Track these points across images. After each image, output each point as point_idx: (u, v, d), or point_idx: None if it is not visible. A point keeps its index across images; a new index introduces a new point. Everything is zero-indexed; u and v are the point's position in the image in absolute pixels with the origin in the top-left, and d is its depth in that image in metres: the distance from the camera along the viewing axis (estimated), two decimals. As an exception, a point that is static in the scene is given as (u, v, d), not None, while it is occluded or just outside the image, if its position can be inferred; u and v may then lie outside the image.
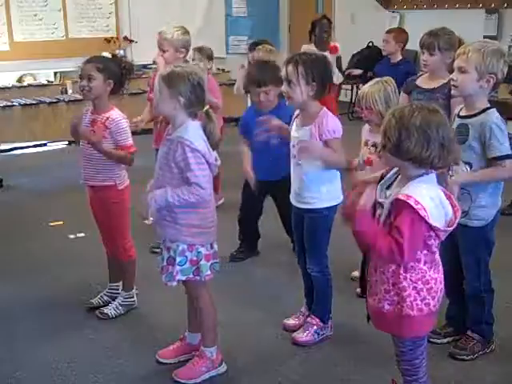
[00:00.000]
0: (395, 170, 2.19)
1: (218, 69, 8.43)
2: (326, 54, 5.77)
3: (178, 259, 2.65)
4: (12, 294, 3.62)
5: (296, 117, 2.97)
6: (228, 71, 8.09)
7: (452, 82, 2.70)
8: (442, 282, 2.20)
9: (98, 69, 3.11)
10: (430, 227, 2.05)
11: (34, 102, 5.90)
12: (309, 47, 5.92)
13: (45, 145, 5.98)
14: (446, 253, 2.81)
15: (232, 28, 9.29)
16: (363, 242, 2.10)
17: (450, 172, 2.58)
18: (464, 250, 2.80)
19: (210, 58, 5.21)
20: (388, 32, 5.48)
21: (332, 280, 3.06)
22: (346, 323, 3.16)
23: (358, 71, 7.57)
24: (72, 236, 4.41)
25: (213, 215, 2.73)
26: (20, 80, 7.55)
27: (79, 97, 5.07)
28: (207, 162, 2.60)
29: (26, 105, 5.88)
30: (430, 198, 2.05)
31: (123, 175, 3.24)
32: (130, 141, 3.18)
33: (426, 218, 2.01)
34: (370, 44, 8.09)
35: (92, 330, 3.23)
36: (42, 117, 5.73)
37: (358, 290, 3.39)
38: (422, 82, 3.52)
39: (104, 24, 8.33)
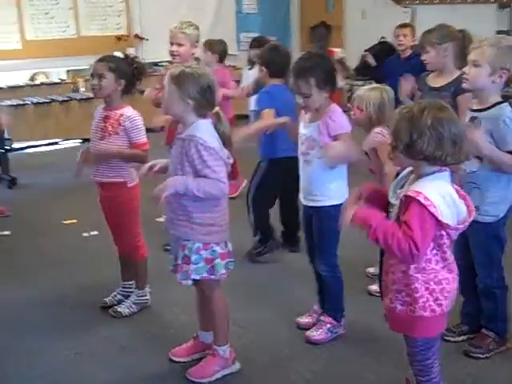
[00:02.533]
0: (408, 169, 2.18)
1: (230, 65, 8.43)
2: None
3: (193, 257, 2.65)
4: (26, 291, 3.65)
5: (303, 113, 2.97)
6: (239, 68, 8.06)
7: (464, 75, 2.69)
8: (456, 282, 2.19)
9: (110, 68, 3.12)
10: (441, 225, 2.03)
11: (46, 100, 5.92)
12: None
13: (57, 143, 5.99)
14: (459, 249, 2.81)
15: (242, 25, 9.26)
16: (374, 239, 2.08)
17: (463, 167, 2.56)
18: (475, 247, 2.78)
19: (219, 52, 5.21)
20: (403, 26, 5.42)
21: (343, 278, 3.05)
22: (360, 321, 3.15)
23: (372, 60, 7.53)
24: (86, 234, 4.43)
25: (226, 213, 2.73)
26: (32, 78, 7.56)
27: (91, 95, 5.07)
28: (222, 159, 2.59)
29: (38, 103, 5.90)
30: (440, 195, 2.04)
31: (133, 173, 3.23)
32: (143, 138, 3.18)
33: (436, 214, 2.00)
34: (382, 39, 8.03)
35: (106, 328, 3.24)
36: (54, 115, 5.75)
37: (370, 287, 3.42)
38: (431, 79, 3.51)
39: (115, 22, 8.32)
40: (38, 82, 7.09)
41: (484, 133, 2.60)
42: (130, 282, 3.45)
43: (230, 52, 8.70)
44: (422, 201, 2.00)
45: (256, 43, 5.53)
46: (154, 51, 7.94)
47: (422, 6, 8.07)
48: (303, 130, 2.94)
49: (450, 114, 2.06)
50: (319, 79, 2.80)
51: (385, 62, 5.61)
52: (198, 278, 2.69)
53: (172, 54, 3.97)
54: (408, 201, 2.04)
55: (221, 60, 5.22)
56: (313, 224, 2.97)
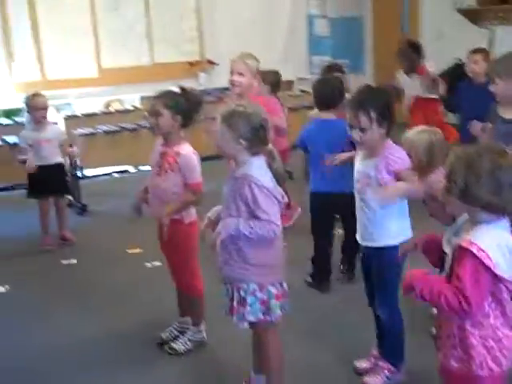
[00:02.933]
0: (465, 216, 2.04)
1: (302, 91, 8.39)
2: (415, 78, 5.67)
3: (248, 299, 2.59)
4: (88, 323, 3.70)
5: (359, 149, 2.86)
6: (309, 92, 8.00)
7: (491, 88, 2.50)
8: None
9: (166, 105, 3.11)
10: (497, 278, 1.89)
11: (117, 128, 6.04)
12: (399, 75, 5.82)
13: (127, 171, 6.10)
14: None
15: (315, 48, 9.21)
16: (431, 302, 1.95)
17: None
18: None
19: (273, 84, 5.13)
20: (476, 52, 5.19)
21: (404, 323, 2.89)
22: (421, 368, 2.97)
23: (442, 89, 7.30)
24: (149, 265, 4.45)
25: (281, 253, 2.66)
26: (107, 106, 7.77)
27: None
28: (275, 198, 2.53)
29: (109, 132, 6.03)
30: (496, 245, 1.89)
31: (190, 209, 3.22)
32: (198, 178, 3.14)
33: (491, 267, 1.86)
34: (457, 61, 7.78)
35: (161, 365, 3.22)
36: (124, 143, 5.86)
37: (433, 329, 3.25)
38: (502, 110, 3.32)
39: (188, 48, 8.46)
40: (111, 109, 7.26)
41: None
42: (187, 318, 3.42)
43: (301, 76, 8.79)
44: (476, 252, 1.87)
45: (328, 70, 5.45)
46: (226, 76, 8.02)
47: (501, 26, 7.77)
48: (359, 166, 2.83)
49: (510, 159, 1.91)
50: (380, 113, 2.68)
51: (457, 88, 5.39)
52: (253, 319, 2.63)
53: (232, 83, 3.97)
54: (461, 251, 1.91)
55: (273, 91, 5.14)
56: (372, 265, 2.85)
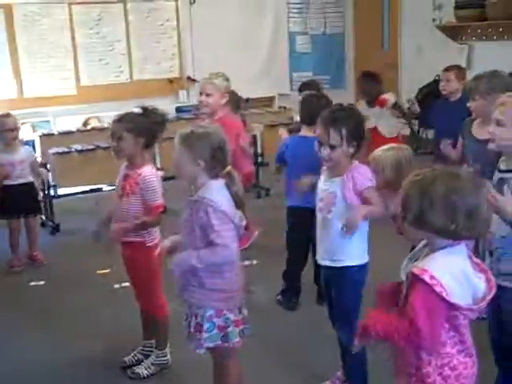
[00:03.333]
0: (424, 241, 1.97)
1: (280, 107, 8.37)
2: (376, 109, 5.65)
3: (205, 325, 2.53)
4: (51, 346, 3.63)
5: (324, 169, 2.81)
6: (289, 108, 7.98)
7: (490, 135, 2.47)
8: (475, 366, 1.95)
9: (127, 129, 3.04)
10: (453, 306, 1.82)
11: (91, 147, 5.98)
12: (360, 107, 5.78)
13: (101, 189, 6.01)
14: (492, 317, 2.56)
15: (296, 64, 9.20)
16: (386, 339, 1.88)
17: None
18: (508, 315, 2.50)
19: (235, 105, 5.09)
20: (447, 70, 5.15)
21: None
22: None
23: (416, 107, 7.27)
24: (117, 285, 4.37)
25: (240, 278, 2.60)
26: (86, 123, 7.72)
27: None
28: (232, 222, 2.47)
29: (83, 150, 5.97)
30: (450, 272, 1.83)
31: (154, 231, 3.14)
32: (158, 200, 3.06)
33: (444, 294, 1.79)
34: (436, 78, 7.79)
35: (122, 390, 3.15)
36: (99, 161, 5.78)
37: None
38: (476, 129, 3.29)
39: (168, 65, 8.43)
40: (89, 127, 7.20)
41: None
42: (151, 341, 3.34)
43: (282, 92, 8.77)
44: (428, 280, 1.80)
45: (305, 87, 5.42)
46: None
47: (480, 42, 7.79)
48: (323, 185, 2.77)
49: (465, 183, 1.84)
50: (350, 132, 2.64)
51: (433, 106, 5.37)
52: (211, 345, 2.56)
53: (201, 103, 3.94)
54: (414, 279, 1.85)
55: (235, 110, 5.10)
56: (332, 286, 2.79)
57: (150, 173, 3.09)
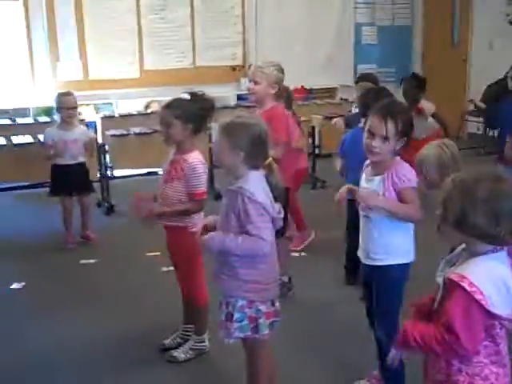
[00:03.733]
0: (463, 245, 1.90)
1: (341, 99, 8.26)
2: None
3: (236, 315, 2.50)
4: (97, 325, 3.70)
5: (366, 166, 2.73)
6: (352, 101, 7.86)
7: None
8: (507, 377, 1.87)
9: (175, 115, 3.04)
10: (491, 315, 1.74)
11: (148, 130, 6.04)
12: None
13: (157, 173, 6.07)
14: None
15: (361, 56, 9.05)
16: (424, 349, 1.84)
17: None
18: None
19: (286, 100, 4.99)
20: None
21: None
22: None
23: (480, 104, 7.01)
24: (165, 269, 4.39)
25: (275, 271, 2.56)
26: (147, 107, 7.82)
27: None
28: (269, 213, 2.43)
29: (141, 133, 6.04)
30: (490, 280, 1.75)
31: (196, 217, 3.13)
32: (201, 187, 3.06)
33: (483, 302, 1.71)
34: (507, 74, 7.50)
35: (160, 373, 3.18)
36: (156, 145, 5.82)
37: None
38: None
39: (231, 52, 8.44)
40: (149, 110, 7.29)
41: None
42: (190, 326, 3.35)
43: (344, 83, 8.64)
44: (467, 287, 1.72)
45: (362, 79, 5.31)
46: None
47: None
48: (365, 183, 2.70)
49: (509, 186, 1.76)
50: (404, 126, 2.56)
51: (499, 104, 5.17)
52: (241, 336, 2.54)
53: (249, 91, 3.88)
54: (451, 285, 1.78)
55: (286, 107, 5.00)
56: (372, 284, 2.72)
57: (196, 159, 3.08)
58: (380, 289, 2.67)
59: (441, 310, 1.83)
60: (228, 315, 2.53)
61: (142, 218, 3.13)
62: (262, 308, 2.51)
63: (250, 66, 8.44)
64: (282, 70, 3.86)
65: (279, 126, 3.65)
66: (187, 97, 3.12)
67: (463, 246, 1.90)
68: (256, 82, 3.77)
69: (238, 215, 2.43)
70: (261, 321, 2.51)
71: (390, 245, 2.62)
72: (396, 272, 2.61)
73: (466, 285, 1.73)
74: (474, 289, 1.72)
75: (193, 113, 3.08)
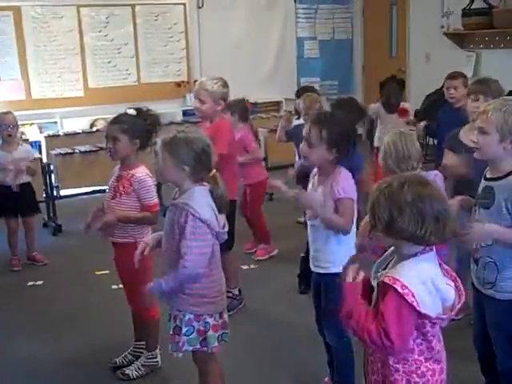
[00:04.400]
0: (392, 248, 1.98)
1: (285, 111, 8.37)
2: (394, 116, 5.66)
3: (184, 329, 2.54)
4: (45, 345, 3.67)
5: (313, 175, 2.81)
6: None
7: (474, 144, 2.46)
8: (445, 372, 1.95)
9: (123, 130, 3.07)
10: (422, 315, 1.82)
11: (94, 148, 6.01)
12: (375, 107, 5.80)
13: (104, 191, 6.04)
14: (476, 327, 2.55)
15: (304, 69, 9.22)
16: (349, 324, 1.89)
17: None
18: (492, 325, 2.51)
19: (241, 114, 5.06)
20: (453, 78, 5.07)
21: (353, 351, 2.82)
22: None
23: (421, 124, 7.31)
24: (115, 286, 4.37)
25: (220, 283, 2.60)
26: (93, 125, 7.77)
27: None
28: (212, 230, 2.46)
29: (86, 152, 6.01)
30: (421, 281, 1.82)
31: (145, 233, 3.16)
32: (153, 200, 3.10)
33: (414, 304, 1.79)
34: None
35: (111, 391, 3.16)
36: (102, 162, 5.81)
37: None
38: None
39: (175, 69, 8.47)
40: (94, 129, 7.25)
41: (498, 204, 2.36)
42: (142, 343, 3.36)
43: (288, 96, 8.77)
44: (399, 289, 1.79)
45: (302, 92, 5.43)
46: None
47: (487, 50, 7.76)
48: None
49: (431, 189, 1.85)
50: (332, 137, 2.62)
51: (438, 113, 5.33)
52: (190, 349, 2.57)
53: (195, 109, 3.89)
54: (385, 288, 1.85)
55: (243, 119, 5.08)
56: (319, 291, 2.79)
57: (143, 173, 3.11)
58: (327, 293, 2.73)
59: (376, 310, 1.89)
60: (176, 329, 2.56)
61: (101, 229, 3.11)
62: (210, 321, 2.54)
63: (195, 81, 8.48)
64: (226, 85, 3.87)
65: (220, 138, 3.69)
66: (133, 112, 3.16)
67: (392, 248, 1.97)
68: (201, 101, 3.78)
69: (180, 230, 2.45)
70: (209, 333, 2.54)
71: (336, 252, 2.68)
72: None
73: (398, 287, 1.80)
74: (406, 291, 1.79)
75: (139, 128, 3.11)
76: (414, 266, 1.86)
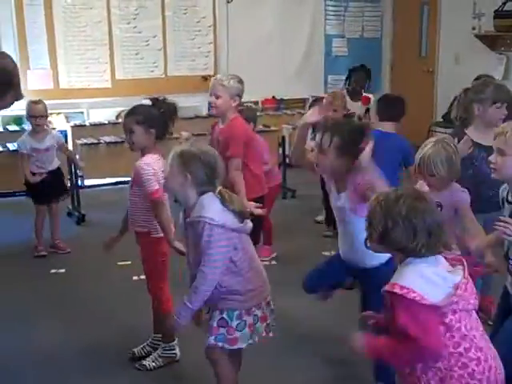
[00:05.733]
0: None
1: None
2: (358, 104, 5.75)
3: (234, 323, 2.54)
4: (66, 334, 3.71)
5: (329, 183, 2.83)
6: (321, 111, 7.95)
7: (491, 165, 2.44)
8: (492, 359, 1.94)
9: (138, 122, 3.08)
10: (432, 307, 1.84)
11: (119, 140, 6.06)
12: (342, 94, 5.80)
13: (127, 182, 6.06)
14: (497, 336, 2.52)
15: (331, 67, 9.17)
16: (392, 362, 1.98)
17: None
18: None
19: (250, 120, 5.03)
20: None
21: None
22: None
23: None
24: (136, 278, 4.41)
25: (256, 275, 2.61)
26: (119, 116, 7.81)
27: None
28: (231, 229, 2.46)
29: (111, 142, 6.05)
30: (420, 276, 1.87)
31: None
32: (152, 186, 3.04)
33: (417, 299, 1.82)
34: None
35: (128, 381, 3.18)
36: (126, 154, 5.83)
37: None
38: (478, 136, 3.27)
39: (203, 63, 8.48)
40: (120, 120, 7.29)
41: None
42: (160, 336, 3.37)
43: (314, 94, 8.73)
44: (399, 291, 1.84)
45: (314, 103, 5.44)
46: (239, 92, 8.02)
47: (518, 52, 7.65)
48: (336, 202, 2.81)
49: (425, 204, 1.92)
50: (343, 143, 2.64)
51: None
52: (244, 345, 2.59)
53: (210, 104, 3.86)
54: (388, 297, 1.90)
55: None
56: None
57: (142, 162, 3.09)
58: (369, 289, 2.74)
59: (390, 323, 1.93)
60: (221, 320, 2.55)
61: None
62: (258, 312, 2.57)
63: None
64: (241, 81, 3.86)
65: (234, 140, 3.74)
66: (148, 102, 3.16)
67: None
68: (217, 96, 3.77)
69: (201, 243, 2.44)
70: (257, 325, 2.57)
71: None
72: (378, 272, 2.67)
73: (397, 290, 1.84)
74: (405, 290, 1.84)
75: (154, 117, 3.11)
76: (411, 267, 1.91)
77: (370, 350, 1.97)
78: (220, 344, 2.56)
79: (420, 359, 1.89)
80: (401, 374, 2.02)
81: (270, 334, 2.64)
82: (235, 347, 2.57)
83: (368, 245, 2.00)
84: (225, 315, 2.54)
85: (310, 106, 5.43)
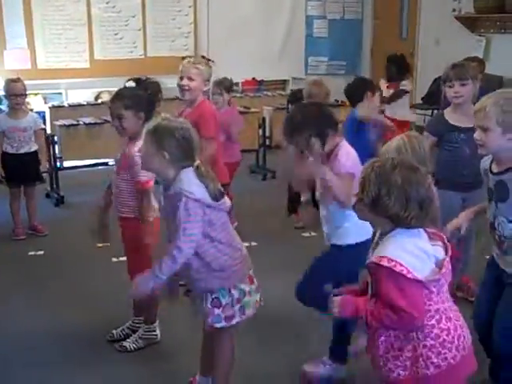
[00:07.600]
0: (379, 232, 2.07)
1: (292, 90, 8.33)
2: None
3: (225, 300, 2.54)
4: (43, 317, 3.67)
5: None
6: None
7: (477, 142, 2.45)
8: (460, 327, 2.00)
9: (126, 106, 3.01)
10: (418, 281, 1.89)
11: (98, 121, 5.99)
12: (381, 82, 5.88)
13: (107, 163, 6.01)
14: (483, 308, 2.59)
15: (312, 48, 9.14)
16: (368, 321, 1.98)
17: None
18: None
19: (229, 89, 5.09)
20: (469, 60, 5.03)
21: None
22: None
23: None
24: (115, 259, 4.38)
25: (240, 248, 2.63)
26: (97, 97, 7.74)
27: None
28: (207, 204, 2.43)
29: (90, 124, 5.98)
30: (405, 250, 1.91)
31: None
32: (141, 176, 3.00)
33: (404, 272, 1.86)
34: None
35: (109, 364, 3.17)
36: (105, 135, 5.79)
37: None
38: (456, 120, 3.29)
39: (183, 43, 8.41)
40: (99, 101, 7.22)
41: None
42: (140, 318, 3.36)
43: (295, 75, 8.71)
44: (386, 264, 1.87)
45: (294, 99, 5.42)
46: (219, 73, 7.95)
47: (498, 34, 7.68)
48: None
49: (420, 176, 1.94)
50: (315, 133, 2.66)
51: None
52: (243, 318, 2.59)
53: (182, 88, 3.76)
54: (375, 269, 1.92)
55: (227, 93, 5.10)
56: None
57: (137, 150, 3.00)
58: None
59: (376, 294, 1.95)
60: (214, 301, 2.53)
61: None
62: (244, 286, 2.57)
63: (201, 56, 8.36)
64: (211, 66, 3.86)
65: (205, 122, 3.65)
66: (132, 84, 3.11)
67: (379, 232, 2.05)
68: (190, 79, 3.70)
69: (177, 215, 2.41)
70: (245, 299, 2.57)
71: (343, 226, 2.73)
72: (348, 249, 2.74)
73: (385, 262, 1.88)
74: (392, 263, 1.87)
75: (142, 100, 3.06)
76: (397, 240, 1.94)
77: (348, 306, 2.00)
78: (218, 325, 2.56)
79: (400, 327, 1.94)
80: (372, 340, 2.05)
81: (262, 303, 2.66)
82: (233, 323, 2.57)
83: (356, 210, 2.02)
84: (216, 295, 2.53)
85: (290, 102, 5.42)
